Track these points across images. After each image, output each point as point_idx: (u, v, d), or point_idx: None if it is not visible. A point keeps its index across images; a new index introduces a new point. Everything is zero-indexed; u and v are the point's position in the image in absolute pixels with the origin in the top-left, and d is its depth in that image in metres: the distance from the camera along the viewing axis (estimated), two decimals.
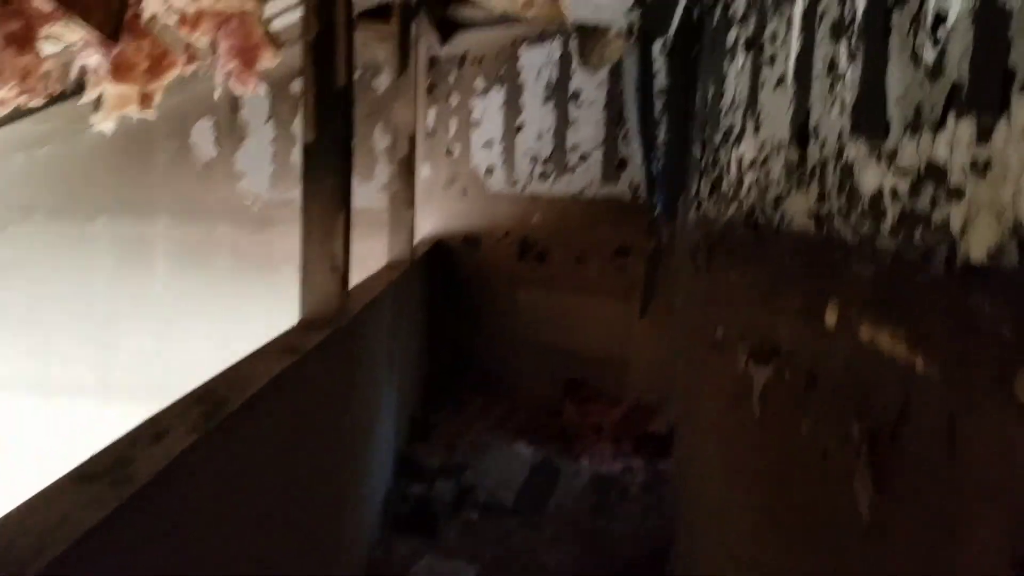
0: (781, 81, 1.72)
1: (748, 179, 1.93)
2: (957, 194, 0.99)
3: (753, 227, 1.83)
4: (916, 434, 1.10)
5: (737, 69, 2.06)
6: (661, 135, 4.11)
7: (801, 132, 1.57)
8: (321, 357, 1.95)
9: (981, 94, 0.94)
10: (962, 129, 0.98)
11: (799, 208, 1.58)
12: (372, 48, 5.45)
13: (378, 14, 5.21)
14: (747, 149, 1.95)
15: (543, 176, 4.82)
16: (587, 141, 4.60)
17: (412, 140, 3.72)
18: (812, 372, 1.52)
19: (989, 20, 0.93)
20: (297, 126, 5.61)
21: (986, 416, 0.98)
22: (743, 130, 1.99)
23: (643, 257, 4.25)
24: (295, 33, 5.02)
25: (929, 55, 1.07)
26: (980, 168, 0.94)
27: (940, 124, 1.03)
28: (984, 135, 0.93)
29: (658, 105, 4.05)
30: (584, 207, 4.60)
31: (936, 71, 1.04)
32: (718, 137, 2.23)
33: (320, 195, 2.00)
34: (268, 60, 3.57)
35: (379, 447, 3.11)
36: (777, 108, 1.73)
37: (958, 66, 0.99)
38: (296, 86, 5.54)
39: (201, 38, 3.42)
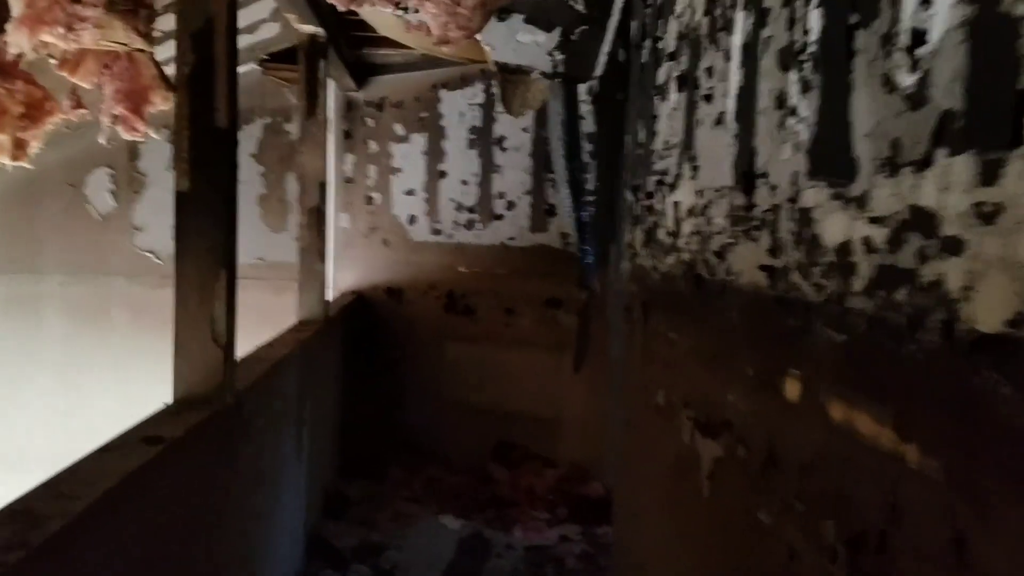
0: (720, 120, 1.55)
1: (687, 228, 1.74)
2: (953, 247, 0.80)
3: (695, 281, 1.64)
4: (912, 545, 0.90)
5: (669, 108, 1.90)
6: (590, 182, 3.97)
7: (747, 176, 1.39)
8: (195, 444, 1.65)
9: (984, 125, 0.76)
10: (958, 168, 0.79)
11: (748, 260, 1.39)
12: (283, 94, 5.21)
13: (288, 57, 4.99)
14: (684, 195, 1.77)
15: (469, 225, 4.61)
16: (514, 188, 4.43)
17: (323, 188, 3.46)
18: (771, 452, 1.31)
19: (990, 33, 0.75)
20: None
21: (1005, 528, 0.78)
22: (679, 174, 1.82)
23: (575, 309, 4.06)
24: None
25: (906, 80, 0.89)
26: (986, 215, 0.76)
27: (926, 162, 0.85)
28: (990, 175, 0.75)
29: (586, 150, 3.92)
30: (513, 256, 4.40)
31: (918, 99, 0.87)
32: (651, 182, 2.05)
33: (196, 252, 1.72)
34: (160, 103, 3.28)
35: (284, 529, 2.77)
36: (717, 149, 1.56)
37: (947, 91, 0.81)
38: None
39: (83, 81, 3.11)
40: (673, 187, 1.86)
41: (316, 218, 3.44)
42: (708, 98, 1.62)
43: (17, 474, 5.17)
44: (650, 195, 2.06)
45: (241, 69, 5.28)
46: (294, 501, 2.95)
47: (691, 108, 1.73)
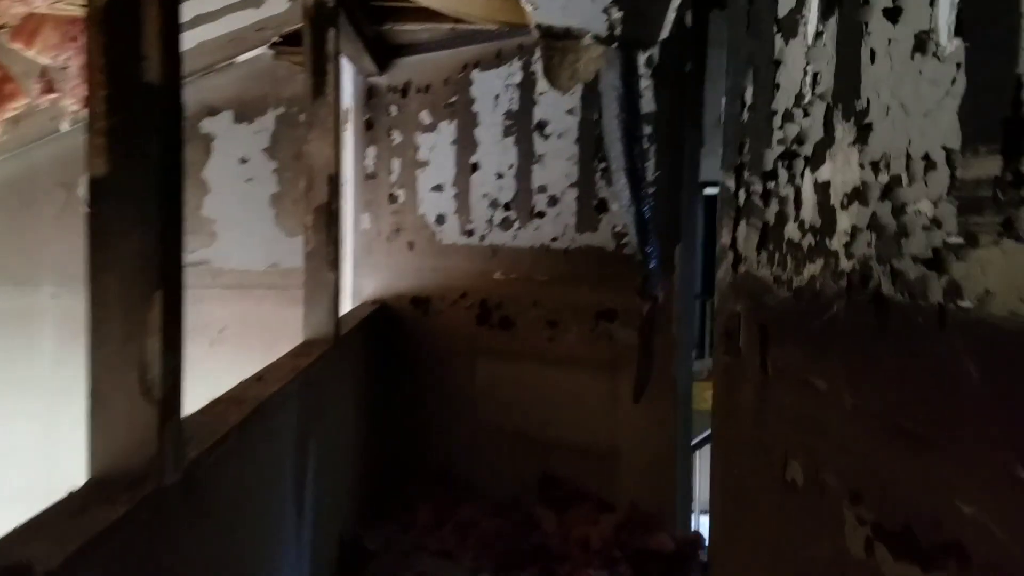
0: (923, 42, 0.97)
1: (846, 221, 1.15)
2: None
3: (873, 304, 1.05)
4: None
5: (805, 45, 1.31)
6: (649, 171, 3.38)
7: (1009, 127, 0.81)
8: (119, 542, 1.12)
9: None
10: None
11: (1006, 273, 0.81)
12: (299, 80, 4.70)
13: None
14: (839, 171, 1.18)
15: (505, 224, 4.05)
16: (557, 181, 3.85)
17: (333, 181, 2.93)
18: None
19: None
20: (210, 171, 4.82)
21: None
22: (827, 140, 1.23)
23: (634, 322, 3.47)
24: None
25: None
26: None
27: None
28: None
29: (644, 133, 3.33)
30: (557, 260, 3.82)
31: None
32: (769, 157, 1.46)
33: (118, 266, 1.18)
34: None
35: None
36: (918, 91, 0.97)
37: None
38: (210, 123, 4.76)
39: (43, 55, 2.62)
40: (814, 160, 1.27)
41: (326, 217, 2.91)
42: (894, 12, 1.03)
43: (7, 507, 4.77)
44: (768, 175, 1.47)
45: (251, 53, 4.80)
46: (295, 566, 2.41)
47: (853, 34, 1.14)
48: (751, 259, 1.55)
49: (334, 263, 2.93)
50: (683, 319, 3.41)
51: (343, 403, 3.24)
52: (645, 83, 3.35)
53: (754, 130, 1.55)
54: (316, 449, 2.65)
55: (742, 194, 1.62)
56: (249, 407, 1.82)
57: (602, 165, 3.70)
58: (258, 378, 2.18)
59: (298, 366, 2.40)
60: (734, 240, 1.66)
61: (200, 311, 4.85)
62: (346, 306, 4.67)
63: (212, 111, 4.75)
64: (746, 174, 1.60)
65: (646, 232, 3.02)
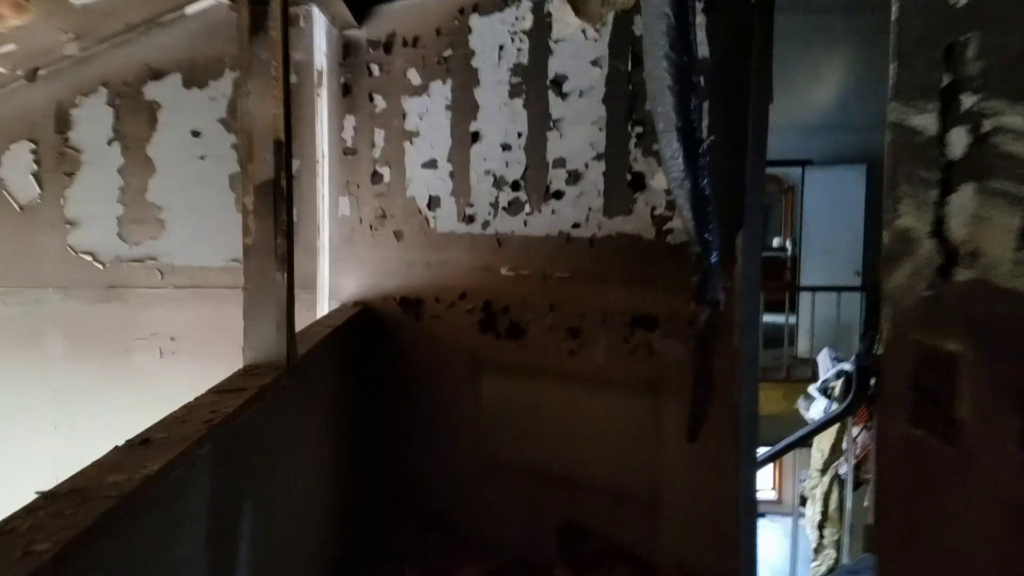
0: None
1: None
2: None
3: None
4: None
5: None
6: (705, 135, 2.65)
7: None
8: None
9: None
10: None
11: None
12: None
13: None
14: None
15: (514, 208, 3.33)
16: (579, 151, 3.12)
17: (282, 151, 2.21)
18: None
19: None
20: (157, 148, 4.09)
21: None
22: None
23: (684, 333, 2.75)
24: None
25: None
26: None
27: None
28: None
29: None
30: (579, 252, 3.10)
31: None
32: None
33: None
34: (10, 16, 2.09)
35: None
36: None
37: None
38: (155, 89, 4.03)
39: None
40: None
41: (272, 199, 2.19)
42: None
43: None
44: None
45: (202, 3, 4.07)
46: None
47: None
48: (993, 259, 0.84)
49: (285, 260, 2.21)
50: (748, 328, 2.69)
51: (304, 444, 2.53)
52: (698, 18, 2.61)
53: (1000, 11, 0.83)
54: (256, 518, 1.95)
55: (959, 138, 0.91)
56: (97, 510, 1.11)
57: (638, 129, 2.96)
58: (144, 441, 1.47)
59: (218, 414, 1.69)
60: (939, 223, 0.94)
61: (147, 317, 4.16)
62: (322, 309, 3.97)
63: (157, 74, 4.03)
64: (972, 100, 0.88)
65: (705, 214, 2.29)
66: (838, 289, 11.09)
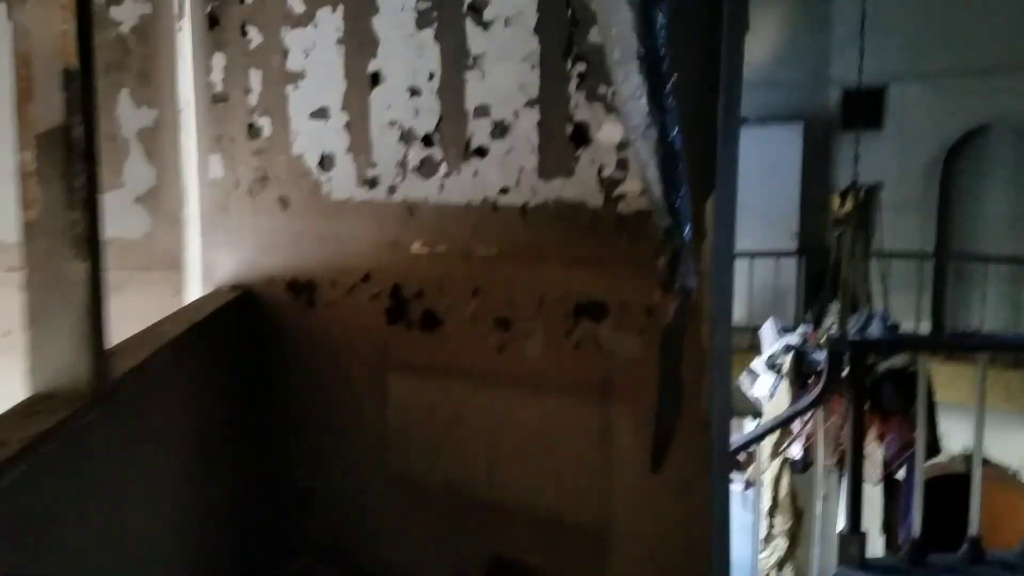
0: None
1: None
2: None
3: None
4: None
5: None
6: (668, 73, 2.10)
7: None
8: None
9: None
10: None
11: None
12: None
13: None
14: None
15: (426, 168, 2.73)
16: (506, 97, 2.54)
17: (77, 83, 1.56)
18: None
19: None
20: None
21: None
22: None
23: (638, 323, 2.22)
24: None
25: None
26: None
27: None
28: None
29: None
30: (509, 224, 2.53)
31: None
32: None
33: None
34: None
35: None
36: None
37: None
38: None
39: None
40: None
41: (61, 153, 1.55)
42: None
43: None
44: None
45: None
46: None
47: None
48: None
49: (85, 244, 1.57)
50: (719, 321, 2.18)
51: (138, 498, 1.90)
52: None
53: None
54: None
55: None
56: None
57: (580, 67, 2.39)
58: None
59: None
60: None
61: None
62: (191, 295, 3.30)
63: None
64: None
65: (676, 173, 1.75)
66: (776, 255, 10.88)
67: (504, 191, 2.56)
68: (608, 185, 2.33)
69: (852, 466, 3.81)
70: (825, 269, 8.43)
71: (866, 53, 9.34)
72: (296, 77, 2.98)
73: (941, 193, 13.01)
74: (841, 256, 6.91)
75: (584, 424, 2.41)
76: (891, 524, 8.01)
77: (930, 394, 7.11)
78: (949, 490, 5.85)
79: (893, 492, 7.41)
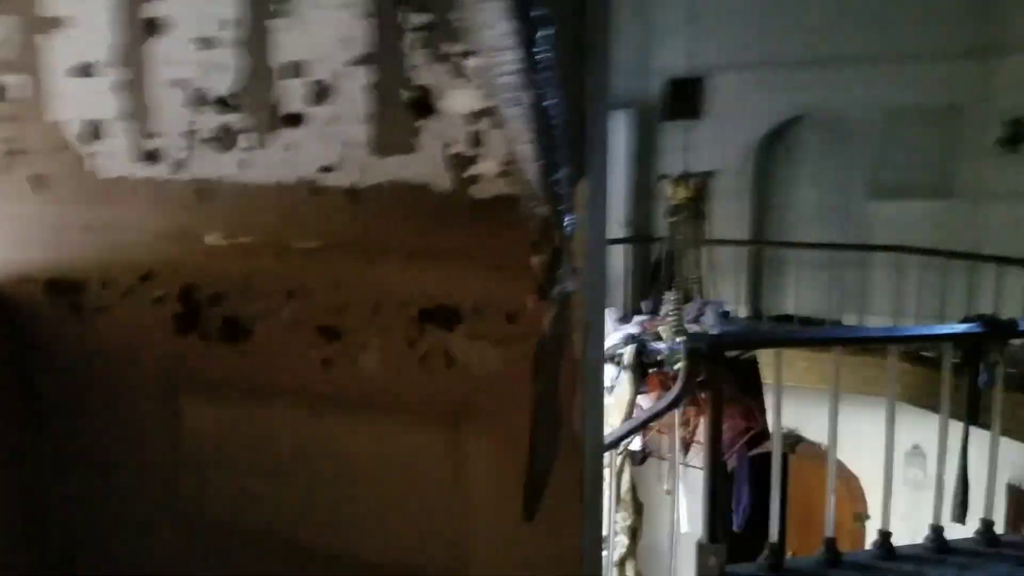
0: None
1: None
2: None
3: None
4: None
5: None
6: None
7: None
8: None
9: None
10: None
11: None
12: None
13: None
14: None
15: (224, 139, 2.22)
16: (326, 51, 2.08)
17: None
18: None
19: None
20: None
21: None
22: None
23: (501, 331, 1.86)
24: None
25: None
26: None
27: None
28: None
29: None
30: (334, 211, 2.08)
31: None
32: None
33: None
34: None
35: None
36: None
37: None
38: None
39: None
40: None
41: None
42: None
43: None
44: None
45: None
46: None
47: None
48: None
49: None
50: (593, 329, 1.86)
51: None
52: None
53: None
54: None
55: None
56: None
57: (420, 18, 1.97)
58: None
59: None
60: None
61: None
62: None
63: None
64: None
65: (554, 149, 1.40)
66: (610, 242, 10.96)
67: (327, 169, 2.11)
68: (458, 164, 1.93)
69: (710, 471, 3.68)
70: (658, 258, 8.53)
71: (686, 44, 9.55)
72: (52, 23, 2.36)
73: (757, 182, 13.71)
74: (677, 245, 6.95)
75: (434, 454, 2.02)
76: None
77: (759, 378, 7.35)
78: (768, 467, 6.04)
79: (728, 479, 7.60)
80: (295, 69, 2.14)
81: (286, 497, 2.26)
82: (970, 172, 13.80)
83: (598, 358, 1.91)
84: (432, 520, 1.96)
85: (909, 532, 6.35)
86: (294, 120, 2.15)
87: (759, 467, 7.97)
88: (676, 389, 4.23)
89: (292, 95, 2.15)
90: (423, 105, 1.97)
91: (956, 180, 13.90)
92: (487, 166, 1.86)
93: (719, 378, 3.68)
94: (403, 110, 1.99)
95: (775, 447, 4.07)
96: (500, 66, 1.46)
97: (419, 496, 1.98)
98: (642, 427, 4.98)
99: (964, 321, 6.49)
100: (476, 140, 1.89)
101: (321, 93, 2.11)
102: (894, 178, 13.82)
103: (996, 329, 5.69)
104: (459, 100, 1.91)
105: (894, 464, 6.18)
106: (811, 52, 12.53)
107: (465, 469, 1.93)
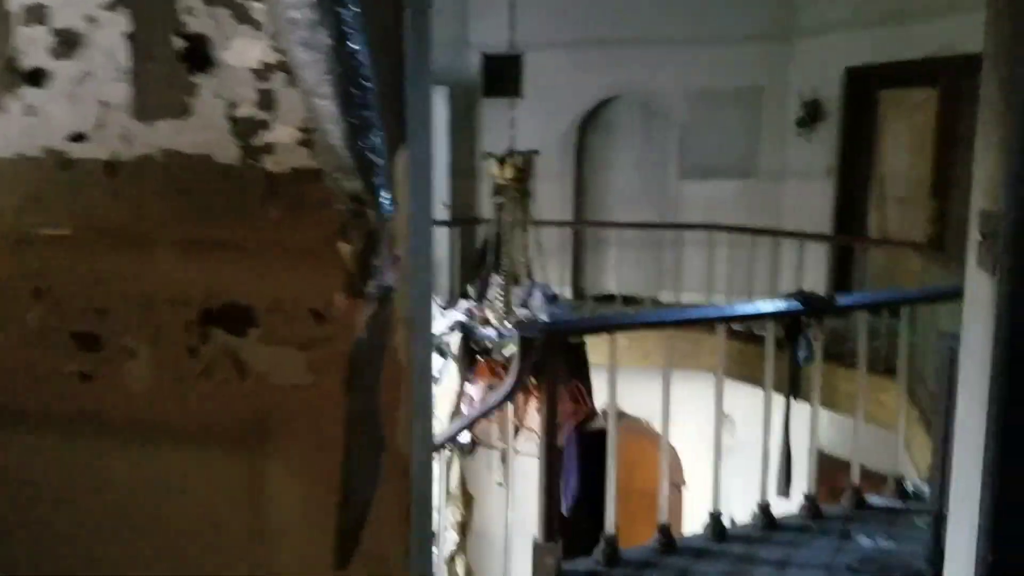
0: None
1: None
2: None
3: None
4: None
5: None
6: None
7: None
8: None
9: None
10: None
11: None
12: None
13: None
14: None
15: None
16: None
17: None
18: None
19: None
20: None
21: None
22: None
23: (304, 334, 1.56)
24: None
25: None
26: None
27: None
28: None
29: None
30: (91, 190, 1.70)
31: None
32: None
33: None
34: None
35: None
36: None
37: None
38: None
39: None
40: None
41: None
42: None
43: None
44: None
45: None
46: None
47: None
48: None
49: None
50: (420, 322, 1.61)
51: None
52: None
53: None
54: None
55: None
56: None
57: None
58: None
59: None
60: None
61: None
62: None
63: None
64: None
65: (368, 111, 1.13)
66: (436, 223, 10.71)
67: (79, 138, 1.72)
68: (246, 130, 1.61)
69: (546, 467, 3.55)
70: (484, 241, 8.40)
71: (504, 20, 9.43)
72: None
73: (577, 162, 13.92)
74: (503, 226, 6.82)
75: (224, 484, 1.69)
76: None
77: (586, 359, 7.41)
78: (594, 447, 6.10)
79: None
80: (37, 14, 1.72)
81: (46, 538, 1.86)
82: (772, 152, 14.74)
83: (425, 360, 1.66)
84: (223, 562, 1.65)
85: (724, 496, 6.62)
86: (36, 77, 1.74)
87: (585, 446, 8.06)
88: (510, 381, 4.09)
89: (33, 46, 1.73)
90: (200, 57, 1.63)
91: (759, 160, 14.81)
92: (283, 132, 1.55)
93: (554, 369, 3.57)
94: (174, 64, 1.63)
95: (609, 436, 4.03)
96: (295, 7, 1.17)
97: (204, 539, 1.65)
98: (476, 421, 4.84)
99: (786, 298, 6.80)
100: (268, 100, 1.57)
101: (69, 43, 1.71)
102: (703, 158, 14.53)
103: (813, 305, 5.98)
104: (245, 51, 1.58)
105: (702, 431, 6.40)
106: (625, 32, 12.87)
107: (263, 505, 1.62)
